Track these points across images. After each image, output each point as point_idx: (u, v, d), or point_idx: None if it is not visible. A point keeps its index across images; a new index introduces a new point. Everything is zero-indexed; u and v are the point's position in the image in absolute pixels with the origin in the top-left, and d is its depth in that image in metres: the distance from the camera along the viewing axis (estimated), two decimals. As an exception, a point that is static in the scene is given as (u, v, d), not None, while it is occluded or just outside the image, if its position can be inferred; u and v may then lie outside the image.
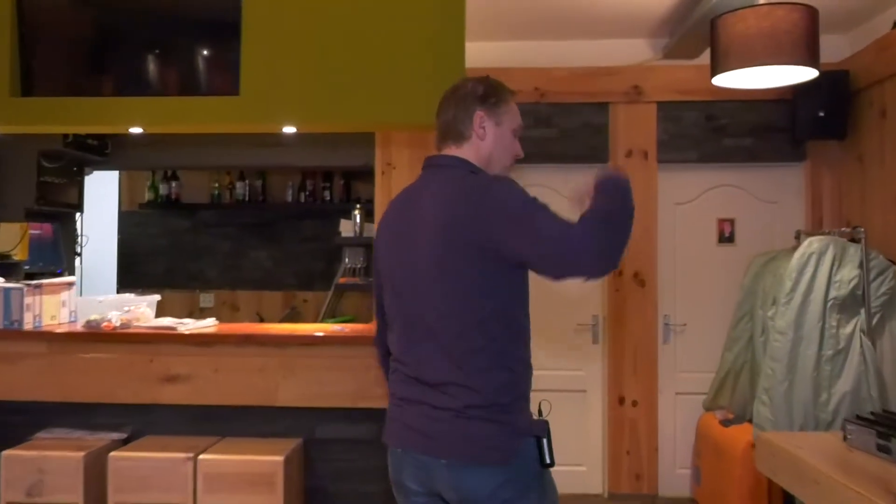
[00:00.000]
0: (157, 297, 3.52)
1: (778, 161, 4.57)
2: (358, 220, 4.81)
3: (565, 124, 4.59)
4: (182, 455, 2.84)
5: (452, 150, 1.88)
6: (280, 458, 2.82)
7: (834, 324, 3.56)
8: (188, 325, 3.29)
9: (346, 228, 4.87)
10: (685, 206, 4.66)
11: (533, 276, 1.80)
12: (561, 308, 4.53)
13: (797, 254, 3.65)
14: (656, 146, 4.56)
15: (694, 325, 4.63)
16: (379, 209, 4.61)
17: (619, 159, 4.56)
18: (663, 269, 4.61)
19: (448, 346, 1.72)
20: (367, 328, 3.47)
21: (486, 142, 1.86)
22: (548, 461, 1.72)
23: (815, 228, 4.42)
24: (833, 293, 3.56)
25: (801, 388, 3.54)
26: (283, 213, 5.77)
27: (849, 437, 2.53)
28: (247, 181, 5.69)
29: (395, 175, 4.62)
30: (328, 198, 5.66)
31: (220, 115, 3.14)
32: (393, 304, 1.86)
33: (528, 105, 4.58)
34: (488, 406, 1.69)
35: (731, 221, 4.63)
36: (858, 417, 2.49)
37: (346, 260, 4.82)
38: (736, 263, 4.54)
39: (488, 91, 1.86)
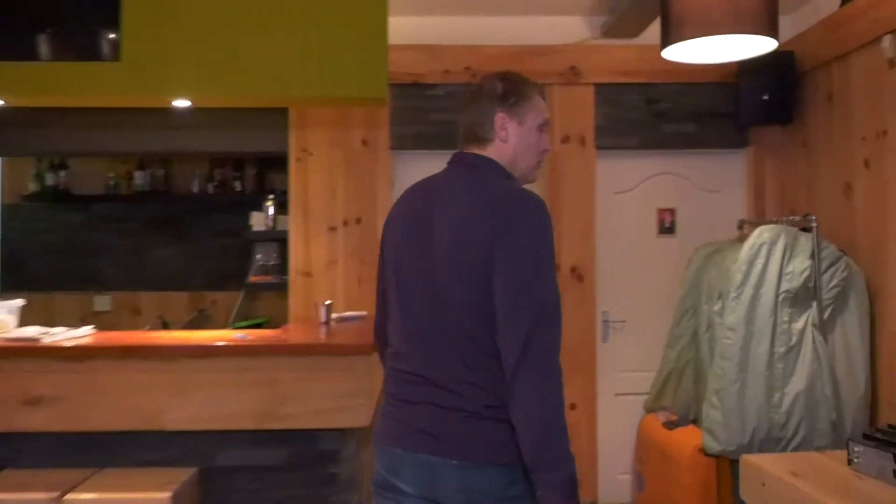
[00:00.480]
0: (21, 301, 2.95)
1: (720, 147, 4.35)
2: (271, 212, 4.35)
3: (498, 107, 4.24)
4: (45, 495, 2.31)
5: (474, 150, 1.83)
6: (167, 495, 2.34)
7: (786, 318, 3.33)
8: (55, 336, 2.76)
9: (258, 222, 4.41)
10: (625, 196, 4.39)
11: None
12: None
13: (747, 244, 3.41)
14: (594, 131, 4.27)
15: (634, 321, 4.37)
16: (295, 200, 4.17)
17: (555, 145, 4.25)
18: (602, 263, 4.33)
19: (460, 346, 1.68)
20: (277, 334, 3.05)
21: (510, 143, 1.80)
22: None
23: (758, 218, 4.22)
24: (785, 285, 3.33)
25: (753, 389, 3.30)
26: (190, 205, 5.24)
27: (856, 460, 2.12)
28: (148, 170, 5.14)
29: (311, 162, 4.20)
30: (240, 188, 5.16)
31: (98, 85, 2.66)
32: (399, 299, 1.80)
33: (458, 86, 4.23)
34: (499, 406, 1.65)
35: (672, 211, 4.39)
36: (866, 436, 2.14)
37: (258, 256, 4.36)
38: (677, 255, 4.31)
39: (508, 89, 1.80)
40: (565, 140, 4.26)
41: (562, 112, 4.26)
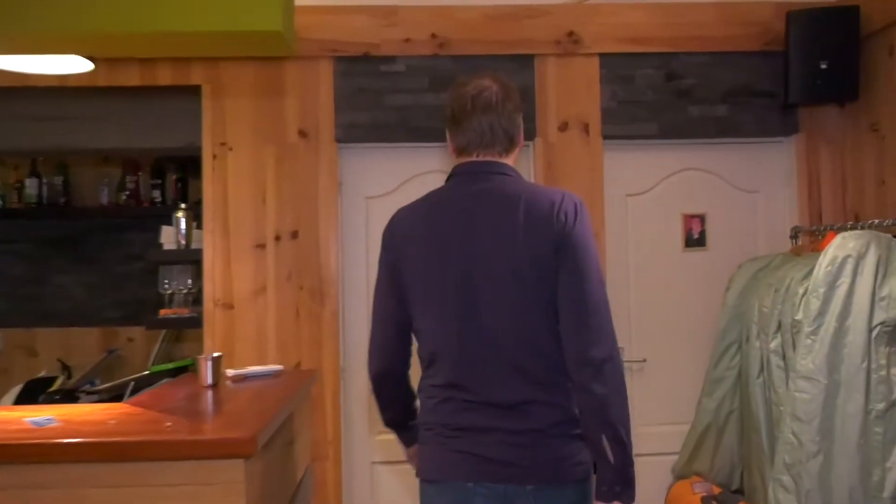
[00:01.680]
0: None
1: (762, 135, 3.39)
2: (183, 225, 3.35)
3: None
4: None
5: (496, 158, 1.76)
6: None
7: (883, 362, 2.36)
8: None
9: (168, 238, 3.40)
10: (640, 199, 3.41)
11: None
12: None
13: (825, 259, 2.43)
14: (600, 116, 3.30)
15: (657, 361, 3.38)
16: (212, 207, 3.19)
17: (550, 134, 3.28)
18: (613, 287, 3.34)
19: (524, 364, 1.66)
20: (109, 414, 1.94)
21: (518, 151, 1.82)
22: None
23: (814, 223, 3.26)
24: (880, 315, 2.36)
25: (842, 464, 2.31)
26: (97, 221, 4.24)
27: None
28: (42, 178, 4.13)
29: (232, 160, 3.21)
30: (160, 199, 4.17)
31: None
32: (442, 325, 1.71)
33: (423, 59, 3.27)
34: (567, 421, 1.66)
35: (701, 218, 3.42)
36: None
37: (166, 283, 3.35)
38: (710, 275, 3.34)
39: (519, 98, 1.81)
40: (563, 127, 3.30)
41: (558, 91, 3.30)
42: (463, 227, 1.70)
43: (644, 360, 3.35)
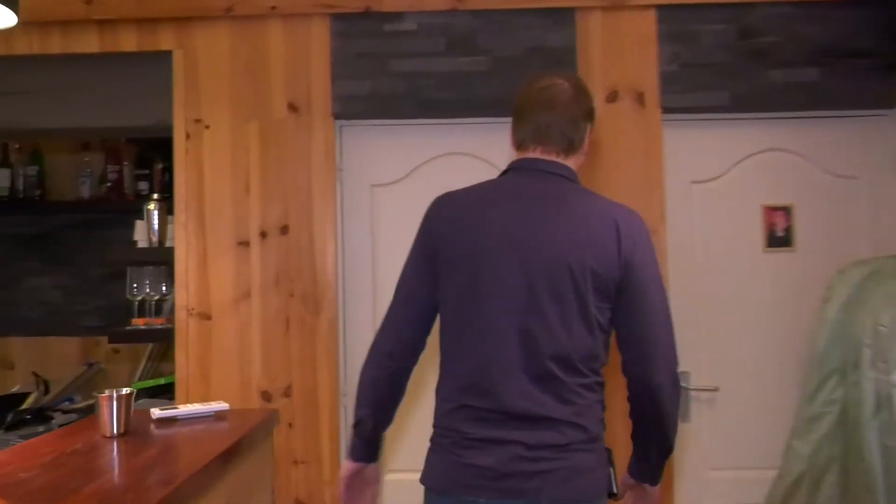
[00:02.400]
0: None
1: (861, 107, 2.71)
2: (156, 220, 2.80)
3: (501, 48, 2.67)
4: None
5: (554, 157, 1.71)
6: None
7: None
8: None
9: (142, 234, 2.87)
10: (709, 187, 2.76)
11: None
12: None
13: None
14: (658, 83, 2.66)
15: (732, 390, 2.71)
16: (185, 196, 2.65)
17: (597, 107, 2.65)
18: (676, 297, 2.70)
19: (556, 378, 1.59)
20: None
21: (582, 159, 1.77)
22: (614, 490, 1.68)
23: (934, 218, 2.57)
24: None
25: None
26: (76, 216, 3.74)
27: None
28: (13, 168, 3.65)
29: (208, 139, 2.65)
30: (146, 191, 3.65)
31: None
32: (477, 324, 1.61)
33: (437, 16, 2.67)
34: (589, 439, 1.62)
35: (787, 211, 2.75)
36: None
37: (135, 287, 2.81)
38: (800, 282, 2.68)
39: (593, 106, 1.78)
40: (611, 98, 2.66)
41: (605, 53, 2.67)
42: (515, 225, 1.63)
43: (716, 390, 2.69)
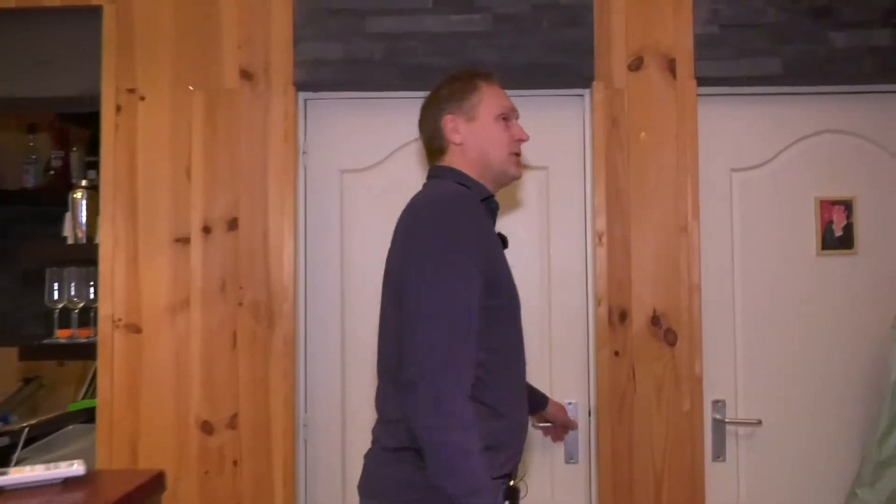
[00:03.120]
0: None
1: (944, 78, 2.21)
2: (83, 211, 2.33)
3: (501, 4, 2.18)
4: None
5: (439, 163, 1.65)
6: None
7: None
8: None
9: (69, 230, 2.40)
10: (753, 175, 2.26)
11: None
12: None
13: None
14: (693, 48, 2.17)
15: (777, 423, 2.21)
16: (113, 183, 2.20)
17: (616, 77, 2.16)
18: (711, 308, 2.21)
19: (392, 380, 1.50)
20: None
21: (468, 145, 1.61)
22: None
23: None
24: None
25: None
26: (18, 209, 3.28)
27: None
28: (-55, 152, 3.20)
29: (143, 113, 2.18)
30: (97, 180, 3.18)
31: None
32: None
33: (424, -39, 2.18)
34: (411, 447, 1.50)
35: (847, 205, 2.25)
36: None
37: (55, 292, 2.34)
38: (862, 291, 2.19)
39: (451, 89, 1.64)
40: (636, 65, 2.17)
41: (628, 10, 2.18)
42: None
43: (758, 423, 2.19)
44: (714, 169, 2.23)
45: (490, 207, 1.60)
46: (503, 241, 1.61)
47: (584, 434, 2.20)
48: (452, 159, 1.62)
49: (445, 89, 1.64)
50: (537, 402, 1.97)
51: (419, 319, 1.36)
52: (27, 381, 3.19)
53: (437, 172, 1.63)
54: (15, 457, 2.64)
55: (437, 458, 1.32)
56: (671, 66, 2.16)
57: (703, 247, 2.18)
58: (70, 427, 2.69)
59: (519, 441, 1.56)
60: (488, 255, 1.46)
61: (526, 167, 2.19)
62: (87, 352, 2.31)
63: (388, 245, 1.53)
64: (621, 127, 2.16)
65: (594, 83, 2.16)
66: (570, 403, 2.19)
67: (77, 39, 2.24)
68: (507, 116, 1.63)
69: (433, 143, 1.64)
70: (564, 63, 2.15)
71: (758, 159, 2.25)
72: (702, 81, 2.16)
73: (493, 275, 1.46)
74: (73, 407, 2.83)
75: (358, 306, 2.23)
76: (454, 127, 1.61)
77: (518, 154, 1.64)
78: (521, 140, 1.64)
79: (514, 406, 1.54)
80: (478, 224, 1.46)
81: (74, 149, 3.22)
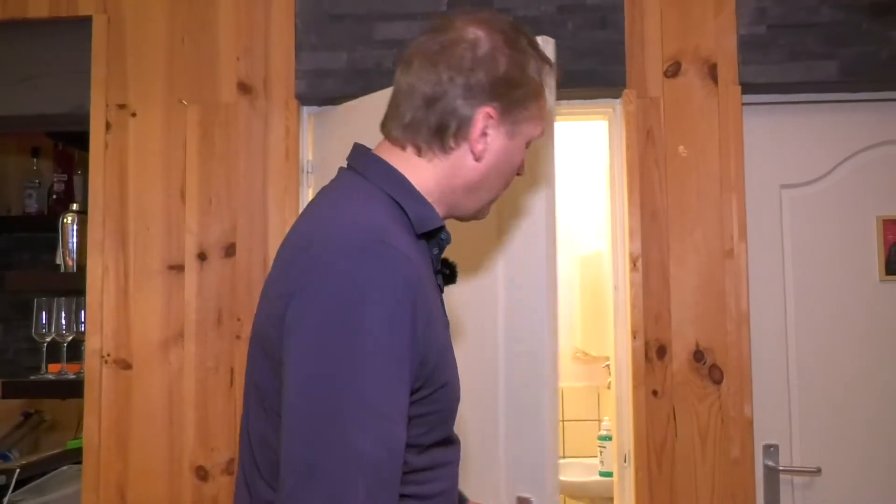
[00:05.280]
0: None
1: None
2: (73, 236, 2.17)
3: (523, 5, 1.99)
4: None
5: (395, 152, 1.04)
6: None
7: None
8: None
9: (61, 256, 2.24)
10: (805, 192, 2.02)
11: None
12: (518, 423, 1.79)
13: None
14: (737, 51, 1.95)
15: (837, 472, 1.95)
16: (102, 206, 2.04)
17: (651, 85, 1.95)
18: (763, 344, 1.96)
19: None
20: None
21: (483, 163, 1.04)
22: None
23: None
24: None
25: None
26: (19, 235, 3.15)
27: None
28: (-55, 176, 3.09)
29: (135, 131, 2.02)
30: (101, 205, 3.03)
31: None
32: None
33: (437, -39, 2.00)
34: None
35: (916, 225, 2.00)
36: None
37: (43, 326, 2.17)
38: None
39: (514, 66, 1.02)
40: (672, 71, 1.96)
41: (665, 11, 1.97)
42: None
43: (817, 471, 1.93)
44: (762, 186, 2.00)
45: (439, 239, 1.04)
46: (450, 276, 1.12)
47: (618, 484, 1.96)
48: (424, 164, 1.03)
49: (504, 65, 1.02)
50: None
51: (310, 434, 0.84)
52: (27, 415, 3.03)
53: (372, 168, 1.03)
54: (6, 500, 2.47)
55: None
56: (712, 72, 1.94)
57: (752, 273, 1.94)
58: (65, 467, 2.52)
59: None
60: (427, 338, 0.91)
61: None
62: (76, 389, 2.14)
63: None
64: (657, 140, 1.94)
65: (626, 92, 1.95)
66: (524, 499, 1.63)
67: (65, 53, 2.09)
68: (534, 139, 1.12)
69: (429, 121, 1.02)
70: (593, 70, 1.95)
71: (811, 174, 2.01)
72: (747, 88, 1.94)
73: (432, 366, 0.93)
74: (70, 445, 2.67)
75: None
76: (485, 129, 1.02)
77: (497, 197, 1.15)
78: (519, 175, 1.14)
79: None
80: (410, 289, 0.88)
81: (79, 172, 3.09)
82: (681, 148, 1.93)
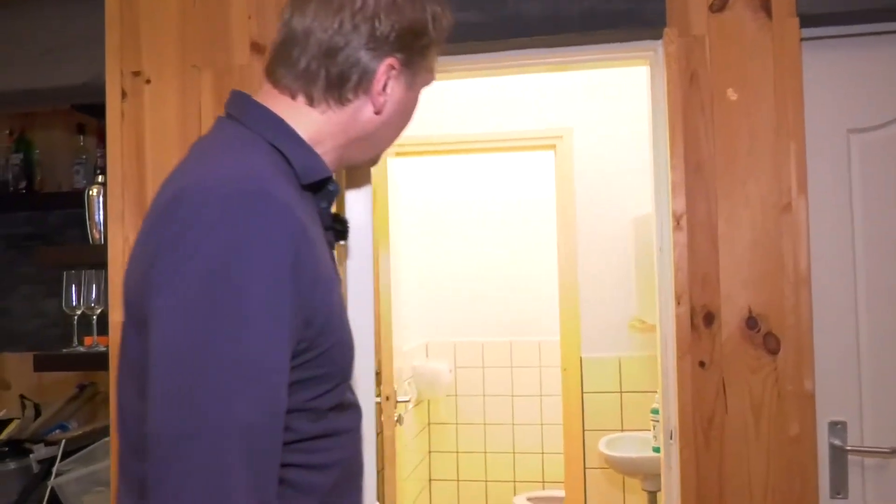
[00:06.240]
0: None
1: None
2: (99, 209, 2.15)
3: (552, -54, 1.81)
4: None
5: (282, 100, 0.97)
6: None
7: None
8: None
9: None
10: (877, 136, 1.78)
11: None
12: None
13: None
14: (793, -21, 1.72)
15: (917, 450, 1.74)
16: (121, 177, 2.02)
17: (694, 21, 1.75)
18: (825, 308, 1.75)
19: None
20: None
21: (382, 115, 1.00)
22: None
23: None
24: None
25: None
26: (69, 211, 3.18)
27: None
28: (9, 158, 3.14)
29: (150, 98, 1.96)
30: (145, 180, 3.03)
31: None
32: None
33: None
34: None
35: None
36: None
37: (74, 297, 2.16)
38: None
39: (417, 12, 0.98)
40: (719, 5, 1.74)
41: (707, -61, 1.76)
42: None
43: (892, 452, 1.72)
44: (825, 131, 1.77)
45: (327, 191, 0.98)
46: (341, 232, 1.07)
47: (665, 462, 1.80)
48: (315, 114, 0.97)
49: (409, 6, 0.97)
50: None
51: (175, 398, 0.76)
52: (81, 387, 3.09)
53: (253, 115, 0.95)
54: (55, 469, 2.52)
55: None
56: (765, 3, 1.72)
57: (813, 230, 1.73)
58: (107, 438, 2.55)
59: None
60: (312, 296, 0.84)
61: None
62: (106, 362, 2.13)
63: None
64: (702, 84, 1.74)
65: (666, 30, 1.75)
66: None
67: (78, 21, 2.04)
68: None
69: (326, 71, 0.95)
70: (629, 8, 1.76)
71: (885, 116, 1.77)
72: (806, 20, 1.72)
73: (319, 327, 0.85)
74: (117, 417, 2.70)
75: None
76: (385, 82, 0.98)
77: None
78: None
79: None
80: (292, 243, 0.81)
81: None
82: (729, 91, 1.73)
